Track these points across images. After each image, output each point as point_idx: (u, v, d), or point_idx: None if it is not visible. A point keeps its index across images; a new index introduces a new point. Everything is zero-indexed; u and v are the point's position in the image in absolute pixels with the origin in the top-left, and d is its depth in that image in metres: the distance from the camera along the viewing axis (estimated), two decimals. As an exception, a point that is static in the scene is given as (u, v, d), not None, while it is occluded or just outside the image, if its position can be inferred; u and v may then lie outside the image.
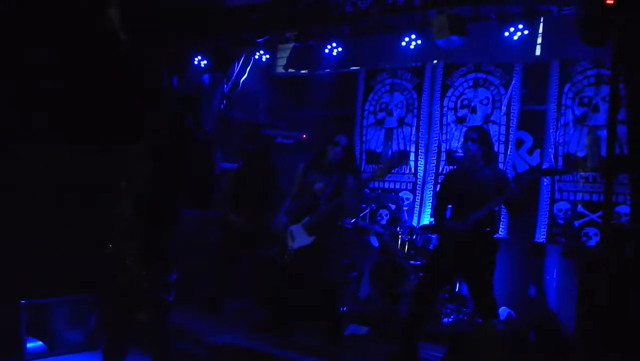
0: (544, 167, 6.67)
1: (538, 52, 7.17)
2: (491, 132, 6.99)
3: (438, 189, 6.71)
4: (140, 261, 3.70)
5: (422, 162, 7.65)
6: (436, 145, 7.56)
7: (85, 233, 5.12)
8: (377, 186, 7.85)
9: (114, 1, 4.54)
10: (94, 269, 4.49)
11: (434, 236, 6.58)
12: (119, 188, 3.80)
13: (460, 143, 5.41)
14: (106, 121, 5.61)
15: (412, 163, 7.73)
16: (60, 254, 5.25)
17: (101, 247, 3.87)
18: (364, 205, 7.26)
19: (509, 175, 6.13)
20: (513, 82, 7.09)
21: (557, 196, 6.63)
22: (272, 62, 8.63)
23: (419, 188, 7.62)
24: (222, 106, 8.12)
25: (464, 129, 7.16)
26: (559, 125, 6.76)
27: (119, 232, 3.77)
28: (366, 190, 7.43)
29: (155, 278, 3.75)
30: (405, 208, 7.45)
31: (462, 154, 5.18)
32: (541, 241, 6.67)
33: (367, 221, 7.40)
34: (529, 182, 4.97)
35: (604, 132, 6.32)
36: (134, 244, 3.72)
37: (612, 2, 4.86)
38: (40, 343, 5.11)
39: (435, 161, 7.56)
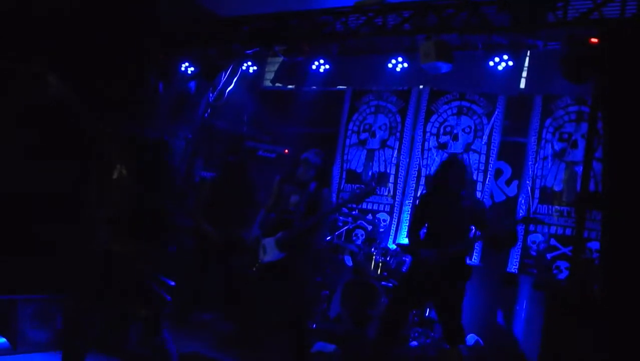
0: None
1: (523, 85, 7.29)
2: (471, 161, 7.12)
3: (414, 209, 6.73)
4: (146, 261, 3.84)
5: (402, 186, 7.68)
6: (416, 169, 7.61)
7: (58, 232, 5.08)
8: (354, 205, 7.84)
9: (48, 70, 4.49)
10: (65, 269, 4.45)
11: (407, 258, 6.59)
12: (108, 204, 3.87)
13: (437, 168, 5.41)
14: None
15: (391, 185, 7.76)
16: (30, 252, 5.18)
17: (86, 247, 3.88)
18: (340, 223, 7.25)
19: (486, 205, 6.17)
20: (496, 112, 7.18)
21: (531, 228, 6.68)
22: (259, 74, 8.64)
23: (396, 211, 7.64)
24: (206, 115, 8.09)
25: (445, 155, 7.24)
26: (538, 158, 6.85)
27: (119, 235, 3.79)
28: (344, 209, 7.41)
29: (157, 277, 3.79)
30: (381, 230, 7.46)
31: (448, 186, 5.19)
32: (513, 271, 6.71)
33: (343, 239, 7.40)
34: (506, 227, 5.07)
35: (580, 168, 6.39)
36: (136, 246, 3.82)
37: (595, 41, 4.96)
38: (4, 340, 5.02)
39: (414, 185, 7.60)
